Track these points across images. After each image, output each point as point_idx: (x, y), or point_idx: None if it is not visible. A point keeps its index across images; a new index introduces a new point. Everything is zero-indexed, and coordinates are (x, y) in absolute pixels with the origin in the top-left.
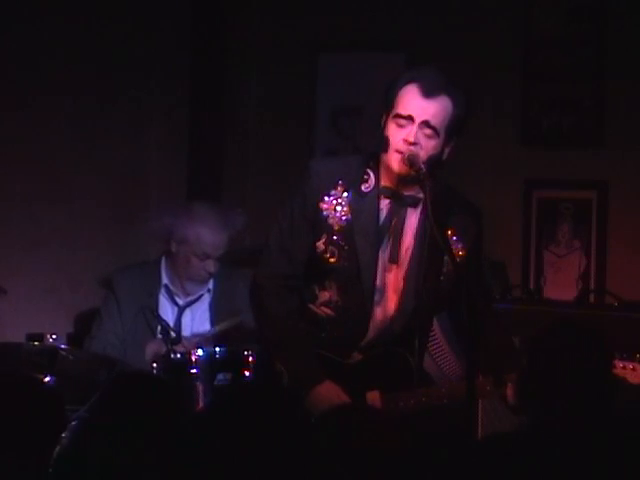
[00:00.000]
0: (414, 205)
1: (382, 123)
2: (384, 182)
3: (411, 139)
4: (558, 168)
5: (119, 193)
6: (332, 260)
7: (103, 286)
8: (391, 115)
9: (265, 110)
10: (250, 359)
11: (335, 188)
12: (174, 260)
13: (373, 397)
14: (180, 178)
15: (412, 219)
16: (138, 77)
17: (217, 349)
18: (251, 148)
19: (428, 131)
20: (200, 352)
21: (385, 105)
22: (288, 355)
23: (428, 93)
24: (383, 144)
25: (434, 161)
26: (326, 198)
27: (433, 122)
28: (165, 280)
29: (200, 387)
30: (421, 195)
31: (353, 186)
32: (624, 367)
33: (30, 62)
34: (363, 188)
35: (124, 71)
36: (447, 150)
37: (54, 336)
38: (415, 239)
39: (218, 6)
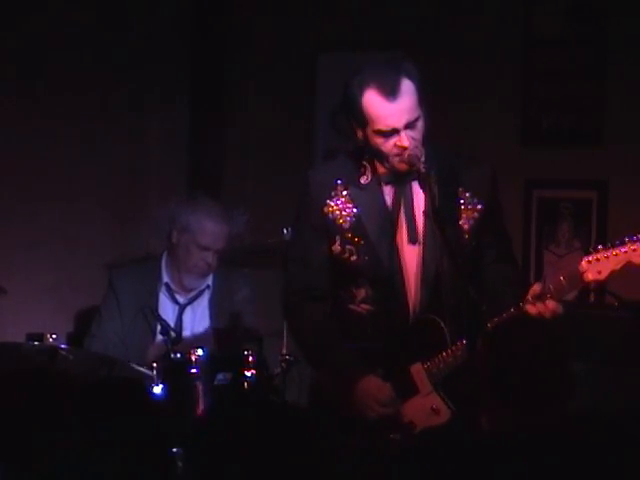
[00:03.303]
0: (418, 179)
1: (360, 135)
2: (381, 170)
3: (405, 144)
4: (558, 168)
5: (119, 192)
6: (353, 259)
7: (103, 285)
8: (370, 130)
9: (265, 110)
10: (250, 359)
11: (335, 189)
12: (174, 252)
13: (416, 370)
14: (180, 178)
15: (419, 195)
16: (139, 77)
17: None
18: (251, 148)
19: (413, 126)
20: (200, 352)
21: (353, 117)
22: (325, 361)
23: (392, 94)
24: (373, 152)
25: (427, 132)
26: (329, 202)
27: (412, 117)
28: (166, 278)
29: (200, 387)
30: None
31: (352, 182)
32: (626, 251)
33: (29, 62)
34: (362, 181)
35: (124, 71)
36: (427, 114)
37: (54, 336)
38: (426, 214)
39: (218, 6)
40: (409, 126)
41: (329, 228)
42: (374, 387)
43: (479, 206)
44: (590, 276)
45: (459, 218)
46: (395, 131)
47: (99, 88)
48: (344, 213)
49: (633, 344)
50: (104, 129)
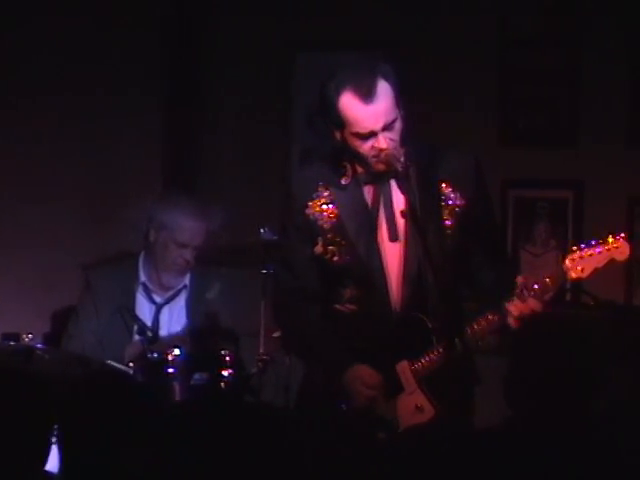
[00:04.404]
0: (396, 177)
1: (338, 136)
2: (360, 170)
3: (383, 146)
4: (534, 168)
5: (94, 192)
6: (336, 259)
7: (80, 285)
8: (348, 132)
9: (241, 110)
10: (227, 359)
11: (316, 191)
12: (152, 250)
13: (402, 368)
14: (155, 177)
15: (399, 193)
16: (113, 75)
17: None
18: (226, 148)
19: (390, 127)
20: (177, 352)
21: (330, 119)
22: (316, 353)
23: (368, 96)
24: (351, 153)
25: (406, 131)
26: (310, 203)
27: (390, 119)
28: (143, 278)
29: (177, 387)
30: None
31: (332, 183)
32: (608, 249)
33: (4, 63)
34: (343, 181)
35: (99, 70)
36: (404, 112)
37: (30, 335)
38: (407, 211)
39: (194, 6)
40: (387, 128)
41: (311, 230)
42: (364, 373)
43: (462, 201)
44: (574, 274)
45: (442, 215)
46: (372, 133)
47: (75, 88)
48: (325, 214)
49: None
50: (79, 129)
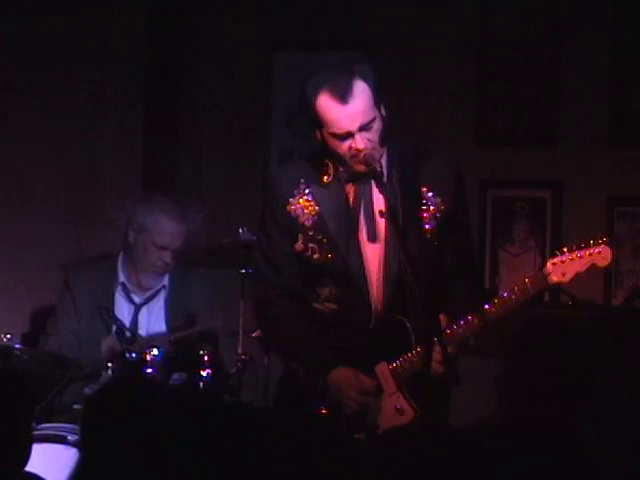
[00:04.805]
0: (375, 177)
1: (318, 136)
2: (341, 169)
3: (360, 147)
4: (513, 167)
5: (74, 192)
6: (316, 257)
7: (58, 285)
8: (326, 132)
9: (220, 110)
10: (206, 359)
11: (298, 188)
12: (131, 251)
13: (382, 369)
14: (135, 178)
15: (379, 194)
16: (93, 76)
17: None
18: (205, 148)
19: (368, 127)
20: (155, 352)
21: (308, 119)
22: (302, 353)
23: (344, 97)
24: (330, 153)
25: (386, 132)
26: (291, 200)
27: (367, 119)
28: (122, 278)
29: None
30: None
31: (314, 181)
32: (590, 254)
33: None
34: (325, 180)
35: (78, 70)
36: (385, 112)
37: (8, 335)
38: (386, 212)
39: (173, 6)
40: (364, 128)
41: (293, 227)
42: (354, 377)
43: (443, 206)
44: (555, 278)
45: (422, 219)
46: (349, 134)
47: (53, 88)
48: (306, 211)
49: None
50: (59, 129)
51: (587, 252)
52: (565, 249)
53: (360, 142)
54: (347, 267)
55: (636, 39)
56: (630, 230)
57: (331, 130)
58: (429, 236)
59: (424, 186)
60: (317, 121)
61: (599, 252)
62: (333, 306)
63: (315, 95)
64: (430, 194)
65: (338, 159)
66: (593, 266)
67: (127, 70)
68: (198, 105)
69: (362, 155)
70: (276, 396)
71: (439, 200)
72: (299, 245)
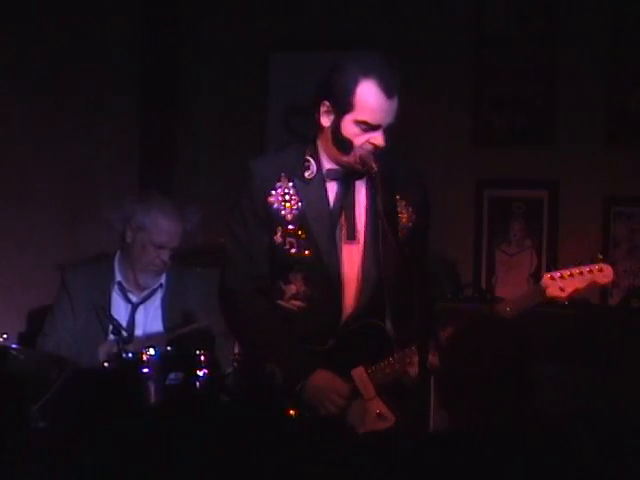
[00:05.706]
0: (360, 178)
1: (328, 121)
2: (328, 165)
3: (381, 143)
4: (509, 167)
5: (70, 191)
6: (292, 251)
7: (55, 284)
8: (352, 118)
9: (217, 109)
10: (202, 358)
11: (279, 180)
12: (129, 251)
13: (359, 373)
14: (132, 177)
15: (361, 194)
16: (89, 75)
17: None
18: (203, 147)
19: (390, 127)
20: (152, 351)
21: (334, 100)
22: (278, 353)
23: (390, 92)
24: (339, 143)
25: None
26: (273, 192)
27: (394, 120)
28: (119, 277)
29: (152, 387)
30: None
31: (296, 175)
32: (591, 271)
33: None
34: (306, 175)
35: (75, 69)
36: None
37: (5, 335)
38: (368, 213)
39: (170, 5)
40: (389, 126)
41: (272, 218)
42: (332, 380)
43: (413, 216)
44: (552, 292)
45: (397, 227)
46: (378, 127)
47: (51, 87)
48: (288, 205)
49: (578, 341)
50: (55, 128)
51: (587, 269)
52: (565, 266)
53: (381, 139)
54: (323, 266)
55: (633, 39)
56: (626, 230)
57: (363, 118)
58: (401, 243)
59: (398, 194)
60: (345, 105)
61: (600, 269)
62: (300, 304)
63: (357, 79)
64: (403, 203)
65: (343, 146)
66: (594, 284)
67: (124, 70)
68: (195, 105)
69: (359, 155)
70: (242, 394)
71: (410, 210)
72: (277, 238)
